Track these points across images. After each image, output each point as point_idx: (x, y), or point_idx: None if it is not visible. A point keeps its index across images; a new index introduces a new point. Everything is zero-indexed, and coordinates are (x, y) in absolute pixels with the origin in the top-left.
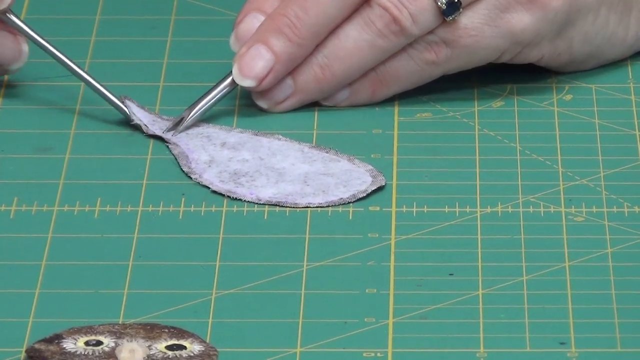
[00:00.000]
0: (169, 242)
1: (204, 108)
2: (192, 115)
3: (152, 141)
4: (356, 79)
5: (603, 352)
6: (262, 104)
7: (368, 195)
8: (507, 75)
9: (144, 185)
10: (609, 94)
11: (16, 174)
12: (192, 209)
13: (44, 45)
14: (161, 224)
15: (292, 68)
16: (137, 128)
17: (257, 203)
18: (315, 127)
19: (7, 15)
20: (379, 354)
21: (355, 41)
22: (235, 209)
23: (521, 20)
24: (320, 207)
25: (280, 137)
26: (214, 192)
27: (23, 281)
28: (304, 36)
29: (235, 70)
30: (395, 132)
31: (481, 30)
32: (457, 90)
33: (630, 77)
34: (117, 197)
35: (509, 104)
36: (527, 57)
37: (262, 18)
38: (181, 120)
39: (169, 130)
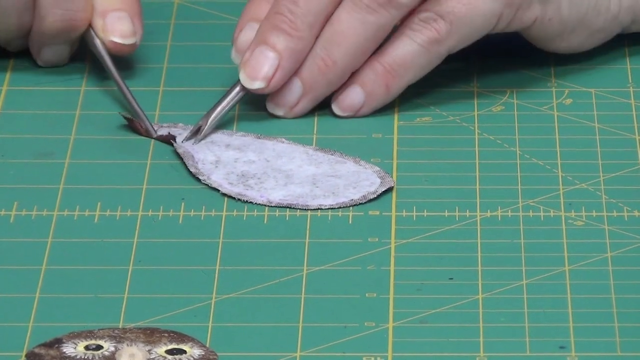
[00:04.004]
0: (169, 247)
1: (221, 114)
2: (211, 123)
3: (152, 146)
4: (367, 79)
5: (603, 356)
6: (277, 111)
7: (378, 196)
8: (507, 79)
9: (143, 190)
10: (609, 98)
11: (16, 179)
12: (191, 213)
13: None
14: (161, 228)
15: (298, 63)
16: (136, 133)
17: (268, 206)
18: (315, 132)
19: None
20: (379, 359)
21: (348, 22)
22: (235, 213)
23: None
24: (332, 208)
25: (284, 139)
26: (223, 194)
27: (23, 286)
28: (301, 28)
29: (242, 76)
30: (395, 136)
31: None
32: (457, 94)
33: (630, 81)
34: (117, 202)
35: (509, 108)
36: (521, 21)
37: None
38: (199, 129)
39: (187, 139)
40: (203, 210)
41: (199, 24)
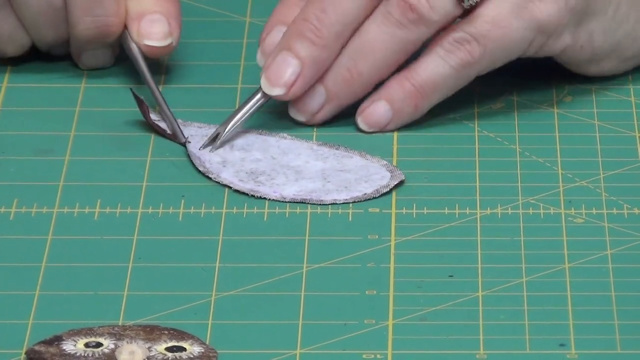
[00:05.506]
0: (169, 244)
1: (240, 121)
2: (228, 130)
3: (152, 143)
4: (396, 97)
5: (603, 354)
6: (299, 117)
7: (391, 190)
8: (507, 77)
9: (143, 187)
10: (609, 96)
11: (16, 176)
12: (191, 210)
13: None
14: (161, 225)
15: (320, 72)
16: (137, 130)
17: (282, 201)
18: (315, 128)
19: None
20: (378, 356)
21: (376, 35)
22: (235, 210)
23: (545, 9)
24: (346, 202)
25: (286, 135)
26: (236, 191)
27: (23, 283)
28: (327, 37)
29: (263, 81)
30: (395, 134)
31: (509, 22)
32: (457, 92)
33: (630, 78)
34: (117, 199)
35: (509, 105)
36: (551, 49)
37: None
38: (217, 136)
39: (204, 147)
40: (203, 208)
41: (200, 21)
